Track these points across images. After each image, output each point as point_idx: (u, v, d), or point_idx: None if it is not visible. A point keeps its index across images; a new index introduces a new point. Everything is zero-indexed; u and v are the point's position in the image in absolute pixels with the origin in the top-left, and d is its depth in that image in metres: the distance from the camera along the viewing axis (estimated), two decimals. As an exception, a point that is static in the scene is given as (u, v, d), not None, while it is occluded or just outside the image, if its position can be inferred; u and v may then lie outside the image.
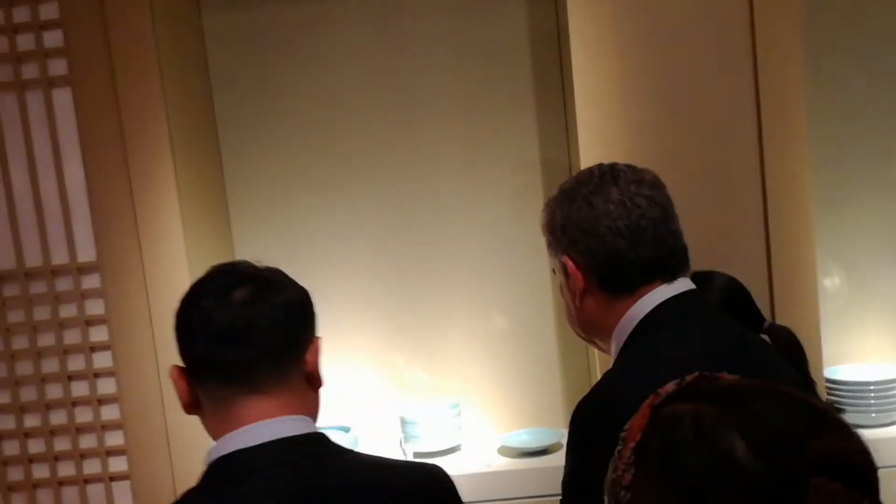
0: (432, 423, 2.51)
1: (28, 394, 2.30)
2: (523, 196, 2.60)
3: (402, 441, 2.55)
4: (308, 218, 2.63)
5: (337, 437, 2.51)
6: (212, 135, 2.59)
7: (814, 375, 1.89)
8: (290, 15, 2.57)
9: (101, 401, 2.29)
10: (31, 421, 2.31)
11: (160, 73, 2.19)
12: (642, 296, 1.41)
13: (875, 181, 2.51)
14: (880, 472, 0.81)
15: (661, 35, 2.13)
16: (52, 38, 2.23)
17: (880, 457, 0.81)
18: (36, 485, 2.32)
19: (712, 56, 2.13)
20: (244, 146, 2.61)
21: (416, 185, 2.62)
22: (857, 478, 0.76)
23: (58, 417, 2.30)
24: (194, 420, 1.30)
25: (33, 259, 2.28)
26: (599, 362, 2.24)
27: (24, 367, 2.30)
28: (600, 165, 1.50)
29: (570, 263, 1.44)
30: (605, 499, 0.87)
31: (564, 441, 2.49)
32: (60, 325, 2.28)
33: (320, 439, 1.27)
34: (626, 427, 0.87)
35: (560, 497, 1.41)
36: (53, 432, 2.30)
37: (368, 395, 2.69)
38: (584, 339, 1.59)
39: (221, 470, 1.20)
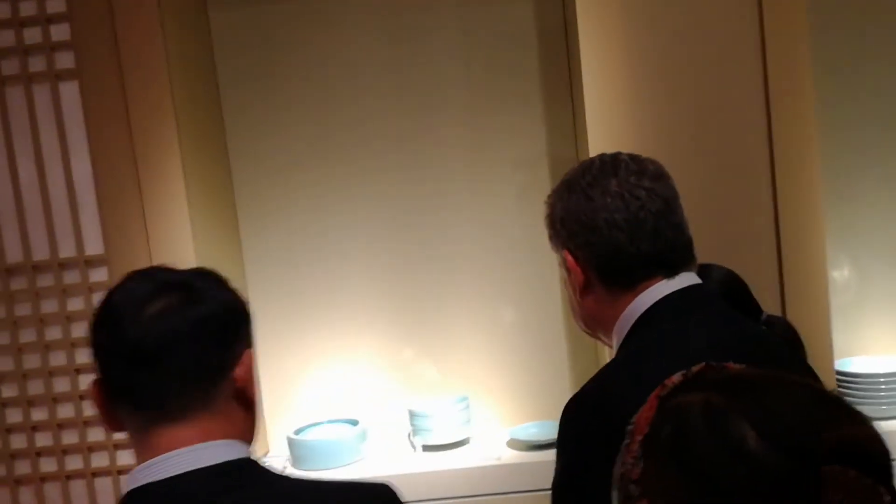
0: (441, 416, 2.50)
1: (35, 387, 2.30)
2: (530, 191, 2.59)
3: (411, 434, 2.55)
4: (315, 211, 2.63)
5: (345, 431, 2.54)
6: (219, 128, 2.58)
7: (824, 367, 1.88)
8: (297, 11, 2.56)
9: (109, 394, 2.28)
10: (38, 414, 2.31)
11: (168, 66, 2.19)
12: (642, 291, 1.37)
13: (884, 175, 2.49)
14: (893, 462, 0.79)
15: (670, 28, 2.11)
16: (60, 32, 2.22)
17: (891, 448, 0.79)
18: (44, 478, 2.32)
19: (722, 48, 2.11)
20: (251, 139, 2.61)
21: (424, 180, 2.61)
22: (872, 465, 0.75)
23: (65, 411, 2.30)
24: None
25: (41, 252, 2.28)
26: (608, 355, 2.23)
27: (31, 361, 2.30)
28: (602, 155, 1.46)
29: (569, 258, 1.41)
30: (614, 494, 0.86)
31: (573, 434, 2.51)
32: (68, 319, 2.28)
33: (248, 466, 1.14)
34: (632, 420, 0.85)
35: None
36: (61, 426, 2.30)
37: (377, 389, 2.69)
38: (588, 333, 1.56)
39: None
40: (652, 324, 1.36)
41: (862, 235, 2.52)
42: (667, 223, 1.38)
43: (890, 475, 0.77)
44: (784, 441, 0.74)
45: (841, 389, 2.36)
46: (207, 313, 1.12)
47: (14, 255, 2.28)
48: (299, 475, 2.28)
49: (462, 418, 2.53)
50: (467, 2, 2.56)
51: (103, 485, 2.31)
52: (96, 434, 2.29)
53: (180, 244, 2.23)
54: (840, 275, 2.54)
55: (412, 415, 2.53)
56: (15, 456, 2.32)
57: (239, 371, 1.15)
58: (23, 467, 2.32)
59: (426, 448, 2.49)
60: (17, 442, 2.32)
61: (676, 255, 1.39)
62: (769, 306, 1.76)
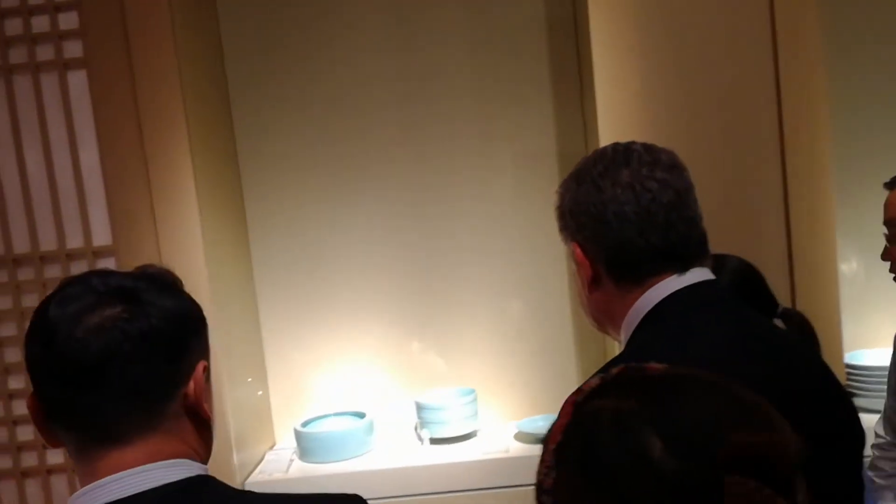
0: (448, 409, 2.50)
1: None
2: (538, 184, 2.58)
3: (418, 427, 2.54)
4: (323, 202, 2.62)
5: (352, 423, 2.53)
6: (226, 118, 2.57)
7: (834, 360, 1.87)
8: (304, 1, 2.55)
9: (117, 385, 2.27)
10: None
11: (177, 56, 2.17)
12: (652, 286, 1.31)
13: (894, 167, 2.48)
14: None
15: (681, 20, 2.11)
16: (68, 20, 2.21)
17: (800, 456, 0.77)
18: (50, 471, 2.31)
19: (733, 41, 2.10)
20: (259, 130, 2.60)
21: (431, 174, 2.60)
22: (772, 475, 0.73)
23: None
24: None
25: (48, 243, 2.26)
26: (616, 348, 2.22)
27: (39, 352, 2.28)
28: (615, 145, 1.39)
29: (577, 251, 1.35)
30: None
31: (581, 427, 2.50)
32: (76, 310, 2.26)
33: (201, 485, 1.05)
34: (549, 428, 0.83)
35: None
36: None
37: (384, 382, 2.68)
38: (596, 328, 1.51)
39: None
40: (659, 320, 1.31)
41: (871, 227, 2.51)
42: (679, 216, 1.32)
43: (792, 485, 0.75)
44: (687, 450, 0.73)
45: (850, 382, 2.36)
46: (151, 326, 1.02)
47: (21, 245, 2.26)
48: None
49: (469, 411, 2.52)
50: (475, -6, 2.55)
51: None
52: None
53: (188, 234, 2.21)
54: (849, 267, 2.54)
55: (419, 408, 2.52)
56: (21, 448, 2.30)
57: (190, 386, 1.06)
58: (29, 459, 2.31)
59: (433, 441, 2.49)
60: (24, 434, 2.30)
61: (688, 249, 1.33)
62: (779, 299, 1.75)
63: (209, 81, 2.47)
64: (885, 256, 2.01)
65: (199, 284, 2.17)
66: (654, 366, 0.84)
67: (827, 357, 1.55)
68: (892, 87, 2.47)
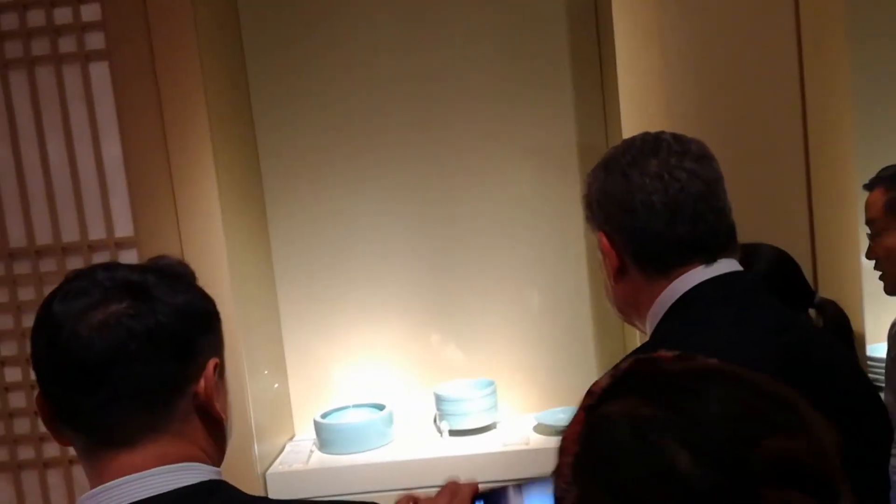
0: (468, 401, 2.50)
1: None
2: (558, 174, 2.58)
3: (437, 419, 2.54)
4: (342, 195, 2.62)
5: (372, 415, 2.53)
6: (247, 110, 2.57)
7: (857, 352, 1.85)
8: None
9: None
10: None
11: (198, 47, 2.17)
12: (678, 277, 1.30)
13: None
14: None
15: (705, 9, 2.09)
16: (90, 12, 2.21)
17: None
18: (72, 461, 2.32)
19: (757, 31, 2.08)
20: (279, 122, 2.60)
21: (451, 165, 2.60)
22: (813, 483, 0.67)
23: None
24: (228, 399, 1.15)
25: (70, 234, 2.27)
26: (637, 339, 2.21)
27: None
28: (645, 134, 1.38)
29: (604, 240, 1.34)
30: None
31: (601, 420, 2.49)
32: (98, 301, 2.27)
33: (212, 490, 1.01)
34: (562, 436, 0.78)
35: None
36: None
37: (403, 374, 2.68)
38: (621, 318, 1.49)
39: None
40: (684, 312, 1.30)
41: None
42: (707, 207, 1.31)
43: (835, 491, 0.69)
44: (716, 459, 0.67)
45: (873, 375, 2.34)
46: (158, 323, 0.98)
47: (44, 236, 2.27)
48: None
49: (489, 403, 2.52)
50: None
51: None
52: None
53: (210, 225, 2.22)
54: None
55: (439, 399, 2.52)
56: (43, 439, 2.31)
57: (200, 385, 1.01)
58: (51, 450, 2.31)
59: (453, 433, 2.49)
60: (21, 427, 2.31)
61: (716, 240, 1.32)
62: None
63: (230, 73, 2.47)
64: (869, 255, 2.07)
65: (220, 275, 2.18)
66: (666, 354, 0.79)
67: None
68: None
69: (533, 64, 2.55)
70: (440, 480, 2.46)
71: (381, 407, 2.58)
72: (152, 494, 0.97)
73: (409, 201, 2.62)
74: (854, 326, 2.18)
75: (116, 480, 0.97)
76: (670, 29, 2.11)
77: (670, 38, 2.11)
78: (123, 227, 2.26)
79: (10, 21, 2.23)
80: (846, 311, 1.99)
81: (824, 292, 2.17)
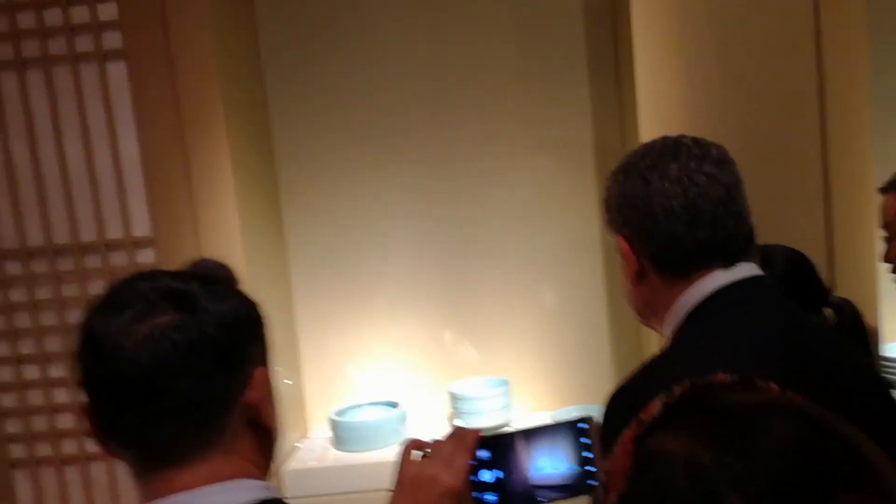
0: (482, 399, 2.50)
1: (83, 367, 2.31)
2: (573, 174, 2.58)
3: (451, 417, 2.54)
4: (357, 193, 2.62)
5: (386, 413, 2.54)
6: (263, 108, 2.57)
7: (873, 352, 1.85)
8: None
9: (156, 375, 2.29)
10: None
11: (215, 46, 2.17)
12: (697, 280, 1.31)
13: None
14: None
15: (724, 8, 2.08)
16: (107, 11, 2.21)
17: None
18: (90, 458, 2.33)
19: (777, 32, 2.07)
20: (295, 119, 2.60)
21: (466, 163, 2.60)
22: None
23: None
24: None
25: (88, 233, 2.28)
26: (652, 339, 2.21)
27: (79, 341, 2.30)
28: (664, 138, 1.38)
29: (623, 244, 1.34)
30: None
31: (615, 418, 2.50)
32: (115, 300, 2.28)
33: None
34: (607, 467, 0.73)
35: None
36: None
37: (417, 372, 2.69)
38: (640, 321, 1.49)
39: None
40: (703, 316, 1.30)
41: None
42: (727, 211, 1.31)
43: None
44: None
45: (889, 375, 2.34)
46: (204, 335, 0.95)
47: (61, 235, 2.28)
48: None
49: (502, 402, 2.53)
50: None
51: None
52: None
53: (227, 224, 2.22)
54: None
55: (453, 398, 2.53)
56: (62, 436, 2.33)
57: (250, 395, 0.99)
58: (70, 447, 2.33)
59: (468, 431, 2.49)
60: (65, 422, 2.33)
61: (736, 244, 1.32)
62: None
63: (246, 72, 2.47)
64: (886, 259, 2.07)
65: (237, 274, 2.18)
66: (724, 380, 0.73)
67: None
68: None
69: (548, 61, 2.55)
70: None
71: (394, 405, 2.59)
72: None
73: (424, 199, 2.62)
74: (870, 326, 2.19)
75: (166, 499, 0.94)
76: (689, 27, 2.11)
77: (689, 36, 2.11)
78: (141, 227, 2.26)
79: (27, 20, 2.23)
80: (862, 310, 2.00)
81: (841, 292, 2.17)
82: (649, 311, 1.41)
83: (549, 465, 1.10)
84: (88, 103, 2.24)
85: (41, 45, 2.23)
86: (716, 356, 1.24)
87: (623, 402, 1.26)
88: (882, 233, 2.05)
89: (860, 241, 2.17)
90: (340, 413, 2.57)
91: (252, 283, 2.25)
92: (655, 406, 0.73)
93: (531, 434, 1.10)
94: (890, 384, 1.37)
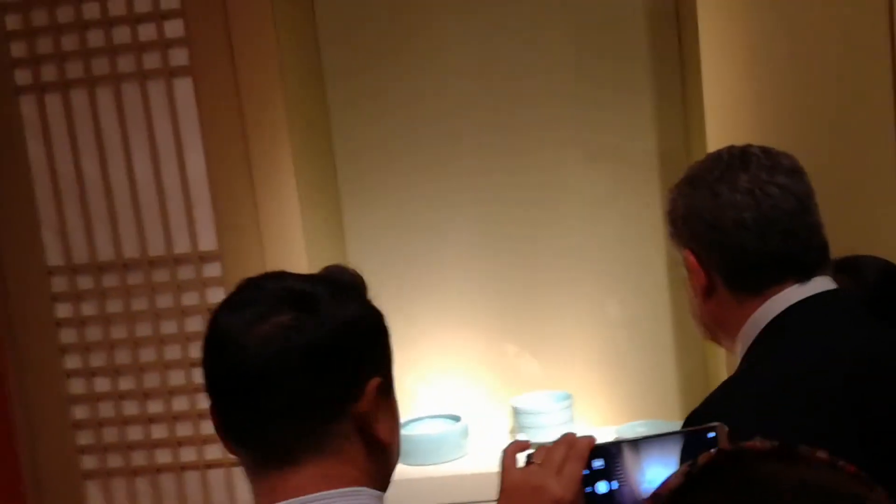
0: (545, 413, 2.47)
1: (151, 380, 2.34)
2: (638, 183, 2.53)
3: (514, 431, 2.52)
4: (419, 206, 2.61)
5: (448, 426, 2.52)
6: (325, 127, 2.59)
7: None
8: (401, 4, 2.54)
9: (223, 388, 2.31)
10: (154, 407, 2.35)
11: (280, 62, 2.19)
12: (771, 296, 1.27)
13: None
14: None
15: (797, 13, 2.03)
16: (174, 28, 2.24)
17: None
18: (160, 469, 2.36)
19: (851, 38, 2.01)
20: (356, 136, 2.60)
21: (528, 171, 2.57)
22: None
23: (180, 404, 2.34)
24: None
25: (156, 248, 2.31)
26: (719, 354, 2.17)
27: (147, 354, 2.34)
28: (731, 148, 1.35)
29: (690, 258, 1.31)
30: None
31: (683, 434, 2.45)
32: (183, 313, 2.31)
33: None
34: None
35: None
36: (176, 418, 2.34)
37: (478, 385, 2.67)
38: (707, 338, 1.47)
39: None
40: (781, 333, 1.27)
41: None
42: (801, 223, 1.28)
43: None
44: None
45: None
46: (319, 338, 0.95)
47: (131, 250, 2.32)
48: None
49: (566, 416, 2.50)
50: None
51: (216, 477, 2.34)
52: (209, 427, 2.31)
53: (291, 240, 2.24)
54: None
55: (516, 412, 2.50)
56: (132, 447, 2.36)
57: (361, 405, 0.98)
58: (139, 458, 2.37)
59: (532, 446, 2.46)
60: (134, 434, 2.36)
61: (810, 257, 1.29)
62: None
63: (309, 87, 2.49)
64: None
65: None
66: (758, 447, 0.63)
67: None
68: None
69: (611, 68, 2.50)
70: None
71: (456, 419, 2.57)
72: None
73: (486, 210, 2.60)
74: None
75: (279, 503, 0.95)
76: (759, 32, 2.06)
77: (759, 42, 2.05)
78: (207, 241, 2.29)
79: (96, 38, 2.27)
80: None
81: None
82: (717, 328, 1.38)
83: (661, 477, 1.04)
84: (156, 120, 2.27)
85: (110, 63, 2.27)
86: (794, 379, 1.21)
87: (704, 422, 1.24)
88: None
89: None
90: (401, 426, 2.56)
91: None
92: (675, 479, 0.65)
93: (644, 443, 1.03)
94: None
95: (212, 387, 1.01)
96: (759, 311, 1.28)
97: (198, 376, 2.30)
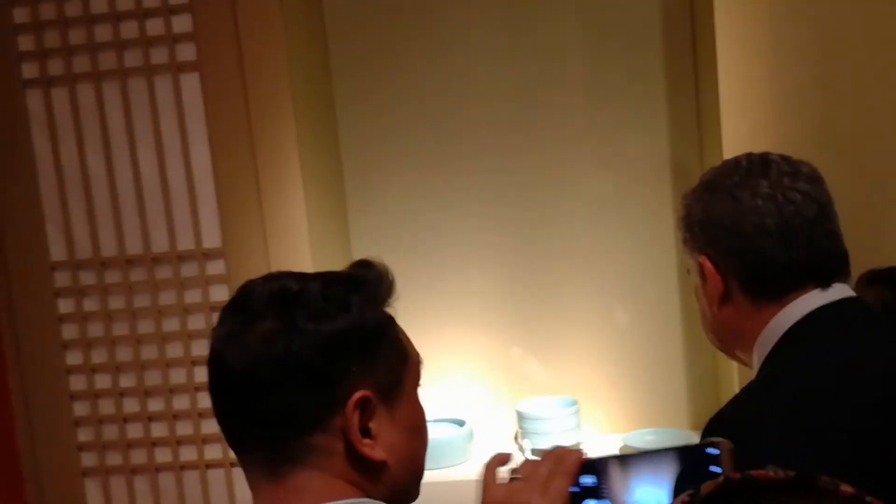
0: (551, 419, 2.44)
1: (153, 378, 2.32)
2: (649, 188, 2.50)
3: (519, 437, 2.49)
4: (425, 207, 2.58)
5: (452, 431, 2.49)
6: (332, 122, 2.56)
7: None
8: (410, 2, 2.52)
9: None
10: (154, 405, 2.33)
11: (288, 59, 2.17)
12: (791, 302, 1.25)
13: None
14: None
15: (818, 19, 1.98)
16: (181, 23, 2.22)
17: None
18: (158, 468, 2.34)
19: (875, 44, 1.96)
20: (363, 134, 2.58)
21: (536, 175, 2.54)
22: None
23: (181, 402, 2.32)
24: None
25: (160, 244, 2.29)
26: (729, 360, 2.13)
27: (149, 352, 2.32)
28: (749, 154, 1.33)
29: (707, 264, 1.29)
30: None
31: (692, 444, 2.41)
32: (185, 311, 2.29)
33: None
34: None
35: None
36: (176, 416, 2.32)
37: (483, 389, 2.64)
38: (720, 348, 1.43)
39: None
40: (801, 341, 1.24)
41: None
42: (822, 230, 1.26)
43: None
44: None
45: None
46: (289, 351, 0.91)
47: (135, 246, 2.30)
48: None
49: (572, 422, 2.46)
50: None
51: (216, 476, 2.32)
52: (210, 426, 2.30)
53: (296, 238, 2.21)
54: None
55: (521, 417, 2.47)
56: (132, 445, 2.34)
57: (342, 419, 0.93)
58: (139, 457, 2.35)
59: (535, 452, 2.44)
60: (134, 431, 2.34)
61: (831, 264, 1.27)
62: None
63: (317, 86, 2.47)
64: None
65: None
66: (767, 476, 0.57)
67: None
68: None
69: (623, 67, 2.47)
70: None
71: (461, 423, 2.54)
72: None
73: (492, 213, 2.57)
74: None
75: None
76: (776, 33, 2.01)
77: (779, 49, 2.01)
78: (211, 238, 2.27)
79: (104, 33, 2.25)
80: None
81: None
82: (733, 337, 1.35)
83: (657, 497, 0.94)
84: (162, 115, 2.26)
85: (117, 57, 2.25)
86: (816, 392, 1.18)
87: (721, 434, 1.21)
88: None
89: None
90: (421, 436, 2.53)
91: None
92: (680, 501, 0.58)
93: (643, 457, 0.97)
94: None
95: (210, 393, 1.00)
96: (777, 317, 1.26)
97: (199, 374, 2.30)
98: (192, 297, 2.29)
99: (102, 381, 2.34)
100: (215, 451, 2.31)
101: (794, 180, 1.27)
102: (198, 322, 2.28)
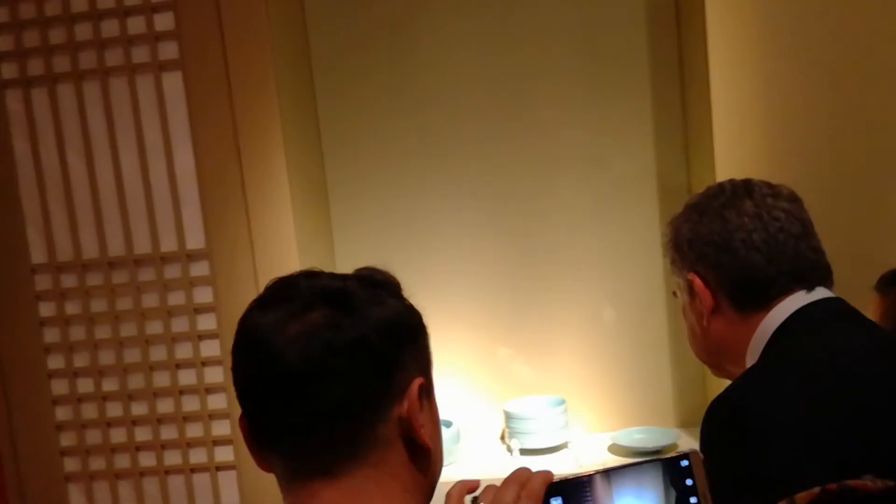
0: (539, 419, 2.43)
1: (136, 382, 2.29)
2: (636, 190, 2.50)
3: (506, 437, 2.48)
4: (409, 210, 2.57)
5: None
6: (316, 121, 2.54)
7: None
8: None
9: (209, 390, 2.27)
10: (138, 409, 2.30)
11: (272, 57, 2.15)
12: (777, 304, 1.30)
13: None
14: None
15: (812, 27, 1.98)
16: (164, 21, 2.19)
17: None
18: (143, 472, 2.32)
19: (872, 51, 1.96)
20: (346, 132, 2.56)
21: (524, 174, 2.53)
22: None
23: (165, 406, 2.29)
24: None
25: (142, 246, 2.26)
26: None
27: (132, 355, 2.29)
28: (732, 180, 1.40)
29: (697, 280, 1.34)
30: None
31: (679, 442, 2.41)
32: (169, 313, 2.26)
33: None
34: None
35: None
36: (161, 420, 2.29)
37: (470, 389, 2.62)
38: (710, 364, 1.47)
39: None
40: (791, 336, 1.28)
41: None
42: (807, 246, 1.32)
43: None
44: None
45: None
46: (359, 337, 0.89)
47: (116, 248, 2.27)
48: None
49: (560, 422, 2.46)
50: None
51: (201, 480, 2.29)
52: (194, 430, 2.28)
53: (282, 240, 2.19)
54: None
55: (509, 416, 2.46)
56: (115, 450, 2.31)
57: (403, 407, 0.91)
58: (123, 461, 2.32)
59: (523, 452, 2.43)
60: (117, 436, 2.31)
61: (816, 273, 1.32)
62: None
63: (301, 85, 2.44)
64: None
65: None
66: (865, 486, 0.58)
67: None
68: None
69: (611, 76, 2.47)
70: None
71: (448, 424, 2.53)
72: None
73: (479, 215, 2.56)
74: None
75: None
76: (767, 43, 2.02)
77: (769, 56, 2.01)
78: (195, 239, 2.24)
79: (84, 31, 2.22)
80: None
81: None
82: (722, 351, 1.39)
83: None
84: (144, 115, 2.23)
85: (98, 56, 2.22)
86: (818, 366, 1.22)
87: (724, 414, 1.24)
88: None
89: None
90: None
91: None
92: None
93: (613, 474, 0.92)
94: None
95: (242, 391, 0.94)
96: (766, 319, 1.31)
97: (184, 378, 2.28)
98: (176, 299, 2.26)
99: (85, 386, 2.31)
100: (200, 456, 2.29)
101: (777, 200, 1.33)
102: (182, 325, 2.25)
